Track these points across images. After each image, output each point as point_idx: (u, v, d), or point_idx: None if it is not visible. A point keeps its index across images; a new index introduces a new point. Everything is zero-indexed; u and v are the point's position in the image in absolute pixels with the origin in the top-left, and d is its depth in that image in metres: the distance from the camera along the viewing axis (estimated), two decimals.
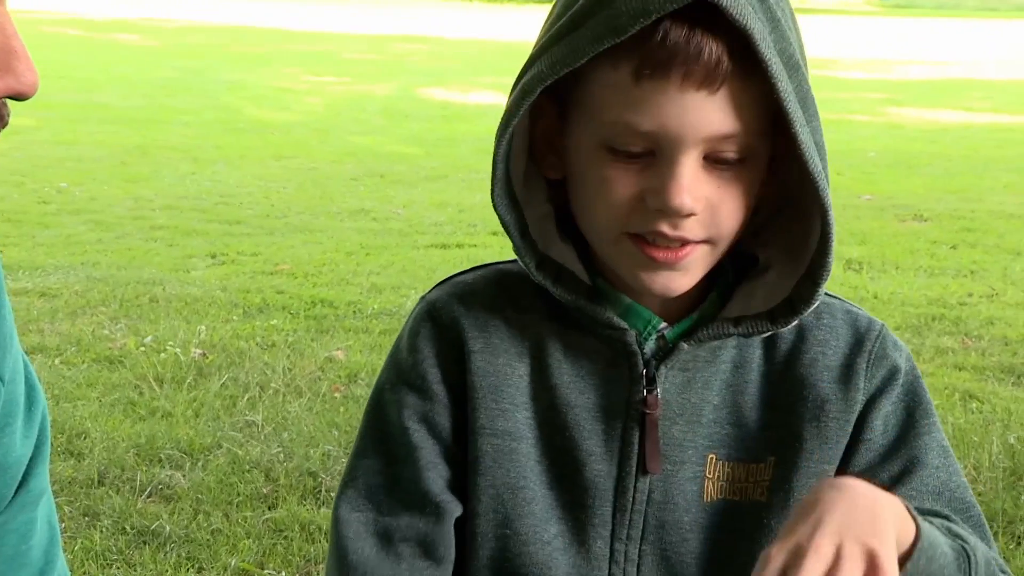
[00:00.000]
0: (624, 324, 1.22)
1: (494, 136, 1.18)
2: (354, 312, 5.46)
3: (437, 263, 6.48)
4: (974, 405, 4.43)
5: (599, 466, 1.24)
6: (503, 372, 1.25)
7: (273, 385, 4.42)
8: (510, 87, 1.19)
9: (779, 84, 1.09)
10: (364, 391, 4.41)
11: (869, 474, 1.22)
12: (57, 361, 4.65)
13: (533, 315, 1.26)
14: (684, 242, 1.16)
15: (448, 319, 1.26)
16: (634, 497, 1.24)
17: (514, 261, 1.28)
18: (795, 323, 1.24)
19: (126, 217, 7.49)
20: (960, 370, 4.85)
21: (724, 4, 1.07)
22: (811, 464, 1.24)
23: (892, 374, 1.27)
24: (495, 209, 1.22)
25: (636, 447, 1.23)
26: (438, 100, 14.45)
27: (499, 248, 6.69)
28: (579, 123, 1.18)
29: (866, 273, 6.50)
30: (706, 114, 1.11)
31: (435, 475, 1.24)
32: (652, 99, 1.11)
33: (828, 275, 1.19)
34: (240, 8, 30.16)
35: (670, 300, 1.22)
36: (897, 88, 16.95)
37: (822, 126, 1.16)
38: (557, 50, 1.14)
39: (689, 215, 1.14)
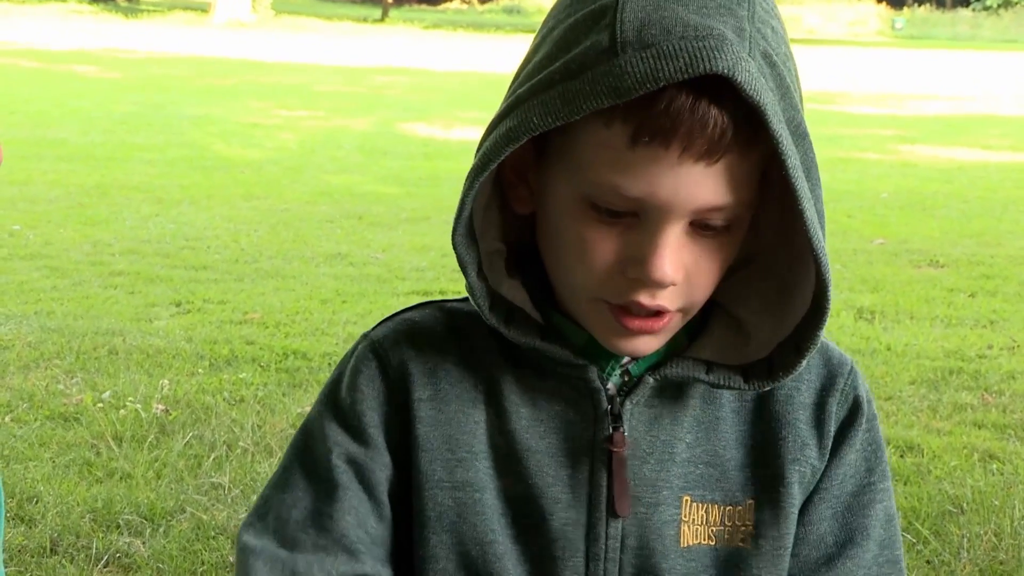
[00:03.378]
0: (583, 361, 1.24)
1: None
2: (329, 364, 5.46)
3: None
4: (995, 466, 4.45)
5: (566, 513, 1.24)
6: (456, 420, 1.25)
7: (242, 444, 4.41)
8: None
9: (788, 160, 1.10)
10: None
11: (817, 527, 1.28)
12: (7, 419, 4.64)
13: (486, 357, 1.27)
14: (661, 311, 1.17)
15: (396, 362, 1.26)
16: (607, 544, 1.24)
17: (463, 299, 1.29)
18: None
19: (83, 262, 7.49)
20: (979, 428, 4.87)
21: (740, 80, 1.07)
22: (794, 509, 1.28)
23: (856, 417, 1.30)
24: (455, 248, 1.22)
25: (605, 489, 1.24)
26: (419, 136, 14.51)
27: None
28: (560, 172, 1.18)
29: (878, 323, 6.53)
30: (700, 186, 1.12)
31: (355, 521, 1.22)
32: (646, 166, 1.11)
33: (815, 347, 1.21)
34: (206, 38, 30.30)
35: None
36: (910, 124, 17.07)
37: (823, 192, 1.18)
38: (549, 98, 1.12)
39: (670, 285, 1.15)
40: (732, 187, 1.12)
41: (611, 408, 1.24)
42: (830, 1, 52.82)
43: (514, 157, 1.20)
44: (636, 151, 1.11)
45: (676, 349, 1.25)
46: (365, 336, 1.30)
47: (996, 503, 4.03)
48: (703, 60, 1.06)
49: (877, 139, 15.30)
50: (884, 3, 53.17)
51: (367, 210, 9.68)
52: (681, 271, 1.15)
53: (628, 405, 1.24)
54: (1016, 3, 50.25)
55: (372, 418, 1.25)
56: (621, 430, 1.24)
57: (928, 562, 3.68)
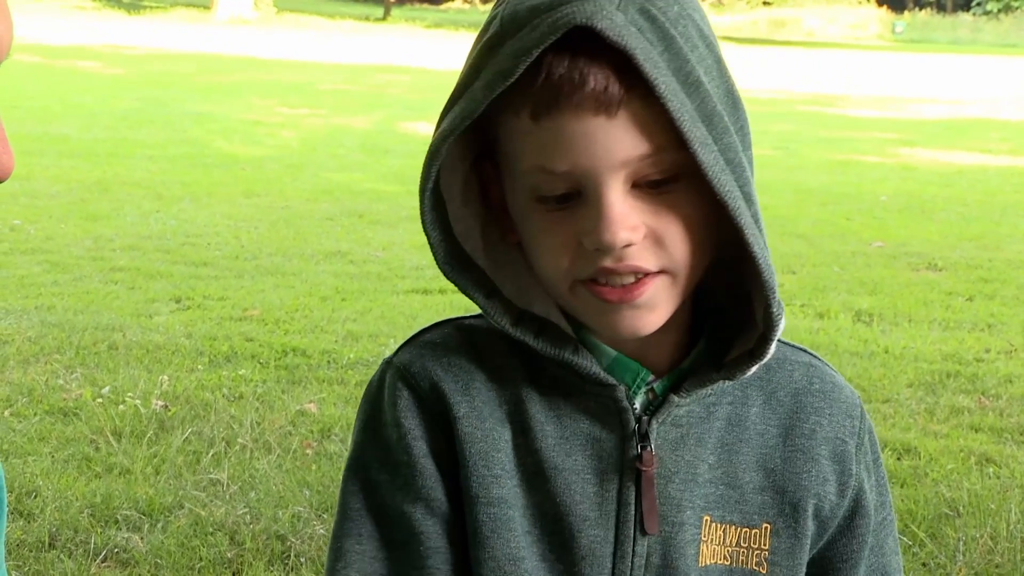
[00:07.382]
0: (612, 379, 1.24)
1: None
2: (328, 362, 5.46)
3: (418, 309, 6.49)
4: (991, 470, 4.45)
5: (595, 531, 1.25)
6: (491, 437, 1.26)
7: (240, 440, 4.41)
8: None
9: (671, 103, 1.12)
10: (338, 447, 4.41)
11: (851, 570, 1.32)
12: (7, 413, 4.64)
13: (509, 375, 1.28)
14: (638, 275, 1.17)
15: (428, 385, 1.27)
16: (633, 562, 1.25)
17: (479, 315, 1.30)
18: (791, 386, 1.30)
19: (84, 258, 7.49)
20: (976, 431, 4.87)
21: (600, 27, 1.11)
22: (808, 540, 1.29)
23: (872, 459, 1.34)
24: (447, 278, 1.28)
25: (633, 508, 1.25)
26: (420, 134, 14.50)
27: None
28: (508, 179, 1.22)
29: (877, 326, 6.53)
30: (611, 140, 1.14)
31: (439, 561, 1.25)
32: (554, 138, 1.15)
33: (775, 302, 1.19)
34: (208, 35, 30.30)
35: (656, 352, 1.25)
36: (910, 128, 17.07)
37: (739, 142, 1.17)
38: (460, 104, 1.19)
39: (627, 246, 1.16)
40: (644, 135, 1.14)
41: (638, 427, 1.25)
42: (830, 4, 52.82)
43: (496, 196, 1.25)
44: (542, 126, 1.15)
45: (700, 366, 1.26)
46: (388, 363, 1.31)
47: (992, 506, 4.03)
48: (562, 18, 1.12)
49: (877, 142, 15.30)
50: (884, 6, 53.19)
51: (368, 208, 9.68)
52: (639, 229, 1.16)
53: (655, 424, 1.25)
54: (1016, 8, 50.26)
55: (420, 448, 1.26)
56: (649, 449, 1.25)
57: (924, 565, 3.68)
